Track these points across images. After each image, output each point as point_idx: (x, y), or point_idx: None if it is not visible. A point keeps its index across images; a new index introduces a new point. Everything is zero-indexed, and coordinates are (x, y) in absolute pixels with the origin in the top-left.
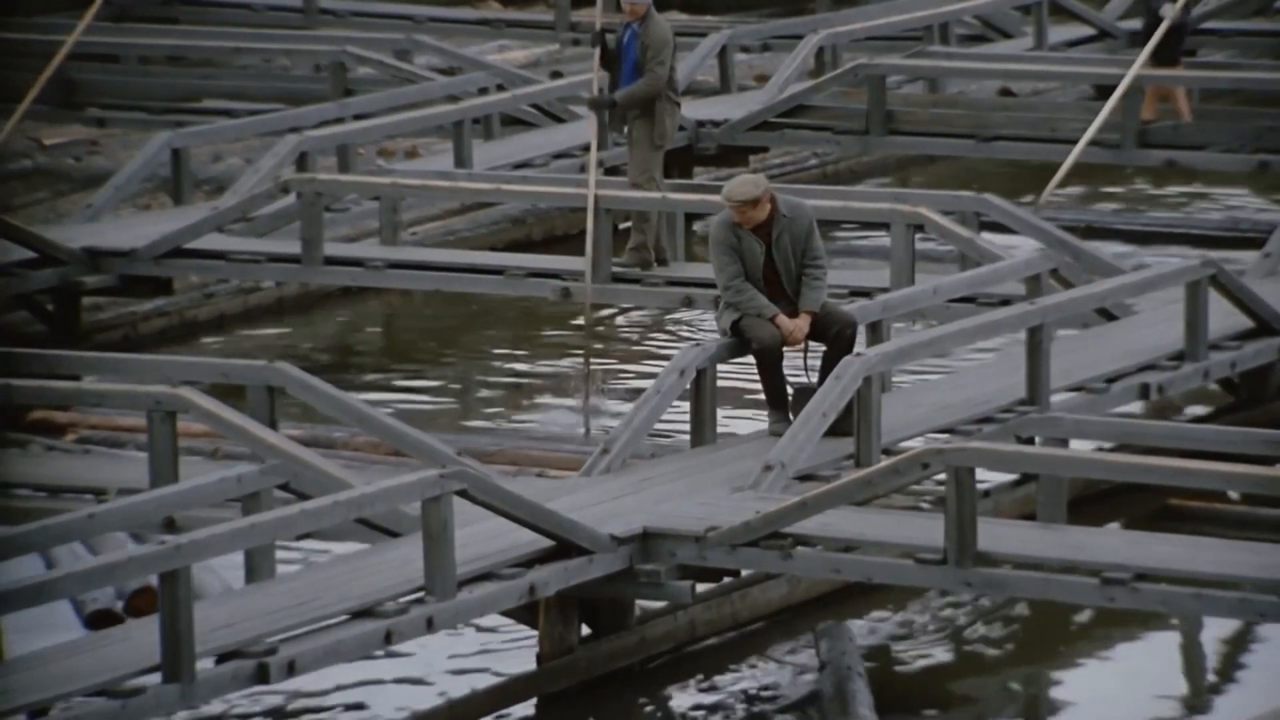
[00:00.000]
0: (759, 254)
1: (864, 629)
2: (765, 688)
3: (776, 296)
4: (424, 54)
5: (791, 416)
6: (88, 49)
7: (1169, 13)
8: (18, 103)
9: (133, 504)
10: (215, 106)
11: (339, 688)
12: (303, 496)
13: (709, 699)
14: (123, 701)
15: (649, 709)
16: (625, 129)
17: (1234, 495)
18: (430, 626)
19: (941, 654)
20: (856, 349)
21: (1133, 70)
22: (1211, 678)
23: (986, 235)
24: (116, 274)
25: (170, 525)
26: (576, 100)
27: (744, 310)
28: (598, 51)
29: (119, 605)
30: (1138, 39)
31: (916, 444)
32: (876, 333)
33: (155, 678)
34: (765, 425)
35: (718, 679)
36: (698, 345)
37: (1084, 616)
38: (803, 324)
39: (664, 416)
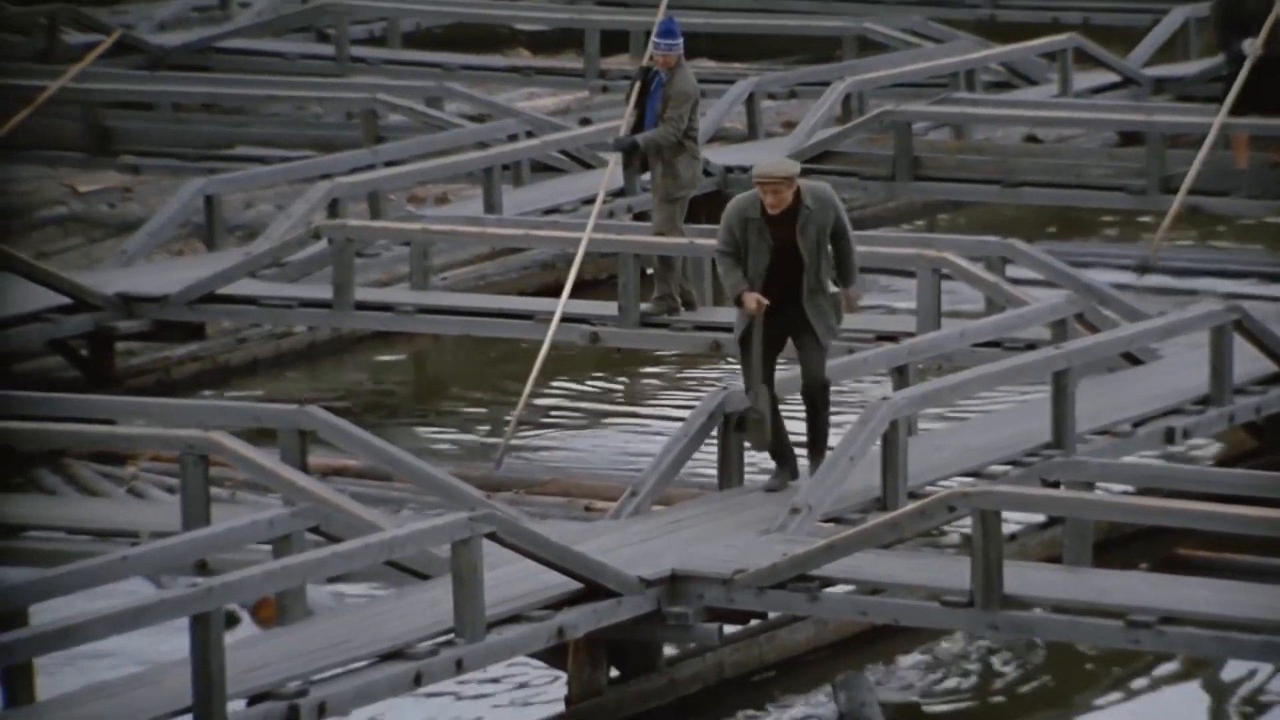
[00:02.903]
0: (766, 249)
1: (888, 672)
2: None
3: (789, 285)
4: (454, 101)
5: (748, 443)
6: (123, 97)
7: (1250, 49)
8: (54, 150)
9: (165, 547)
10: (248, 153)
11: None
12: (333, 539)
13: None
14: None
15: None
16: (649, 175)
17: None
18: (460, 668)
19: (965, 697)
20: (882, 394)
21: (1219, 118)
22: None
23: (1012, 279)
24: (150, 319)
25: (202, 568)
26: (605, 147)
27: (723, 282)
28: (637, 86)
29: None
30: (1222, 84)
31: (949, 485)
32: (903, 377)
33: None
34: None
35: None
36: (725, 388)
37: (1109, 659)
38: (853, 297)
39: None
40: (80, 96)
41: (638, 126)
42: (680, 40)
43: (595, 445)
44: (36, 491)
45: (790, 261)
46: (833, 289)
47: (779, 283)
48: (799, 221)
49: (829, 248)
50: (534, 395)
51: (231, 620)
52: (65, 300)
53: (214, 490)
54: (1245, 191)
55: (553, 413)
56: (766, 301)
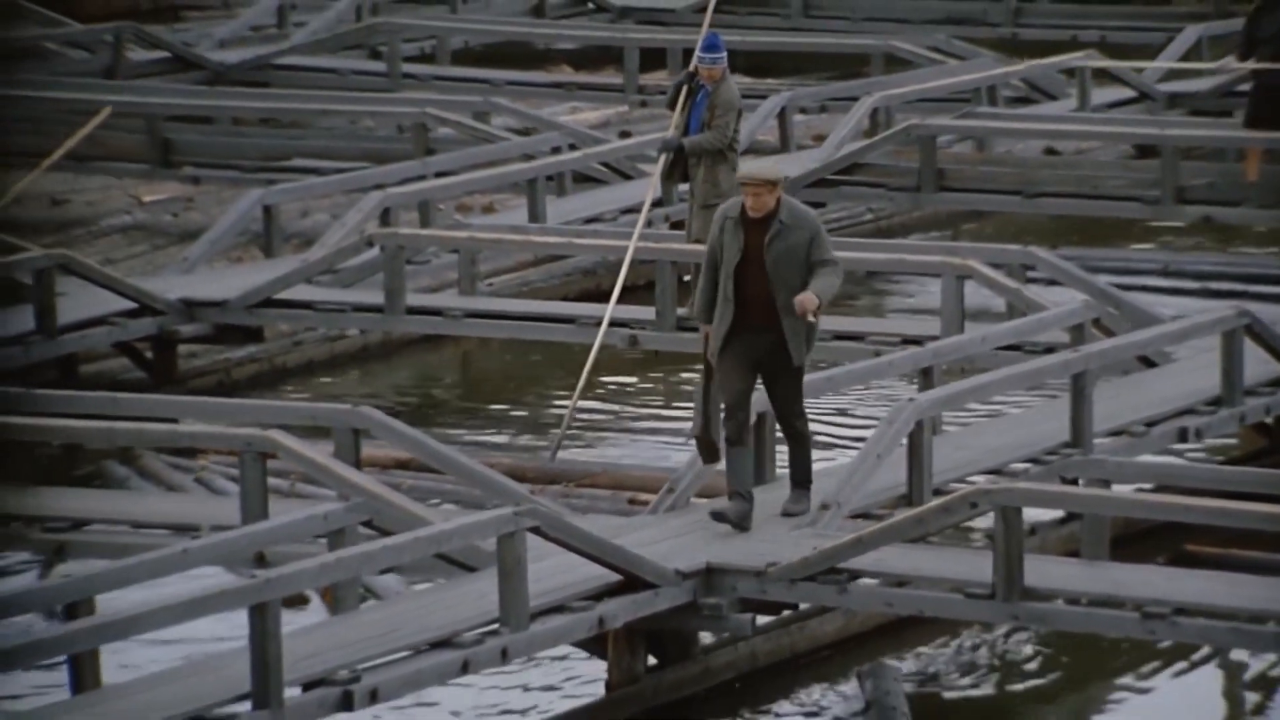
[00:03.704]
0: (737, 249)
1: (912, 663)
2: (821, 716)
3: (754, 295)
4: (501, 115)
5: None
6: (184, 111)
7: (1226, 66)
8: (119, 162)
9: (225, 540)
10: (304, 165)
11: (418, 715)
12: (385, 533)
13: None
14: None
15: None
16: (688, 185)
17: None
18: (505, 656)
19: (986, 687)
20: (909, 395)
21: None
22: (1248, 709)
23: (1033, 286)
24: (211, 323)
25: (260, 560)
26: (644, 158)
27: (697, 298)
28: (684, 90)
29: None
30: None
31: (972, 483)
32: (927, 379)
33: (245, 705)
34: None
35: (777, 707)
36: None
37: (1125, 649)
38: (806, 302)
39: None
40: (144, 111)
41: (683, 133)
42: (724, 54)
43: (636, 441)
44: (107, 483)
45: (757, 272)
46: (812, 318)
47: (749, 293)
48: (770, 231)
49: (805, 274)
50: (581, 395)
51: (302, 601)
52: (130, 305)
53: (275, 481)
54: (1255, 202)
55: (597, 411)
56: (709, 332)
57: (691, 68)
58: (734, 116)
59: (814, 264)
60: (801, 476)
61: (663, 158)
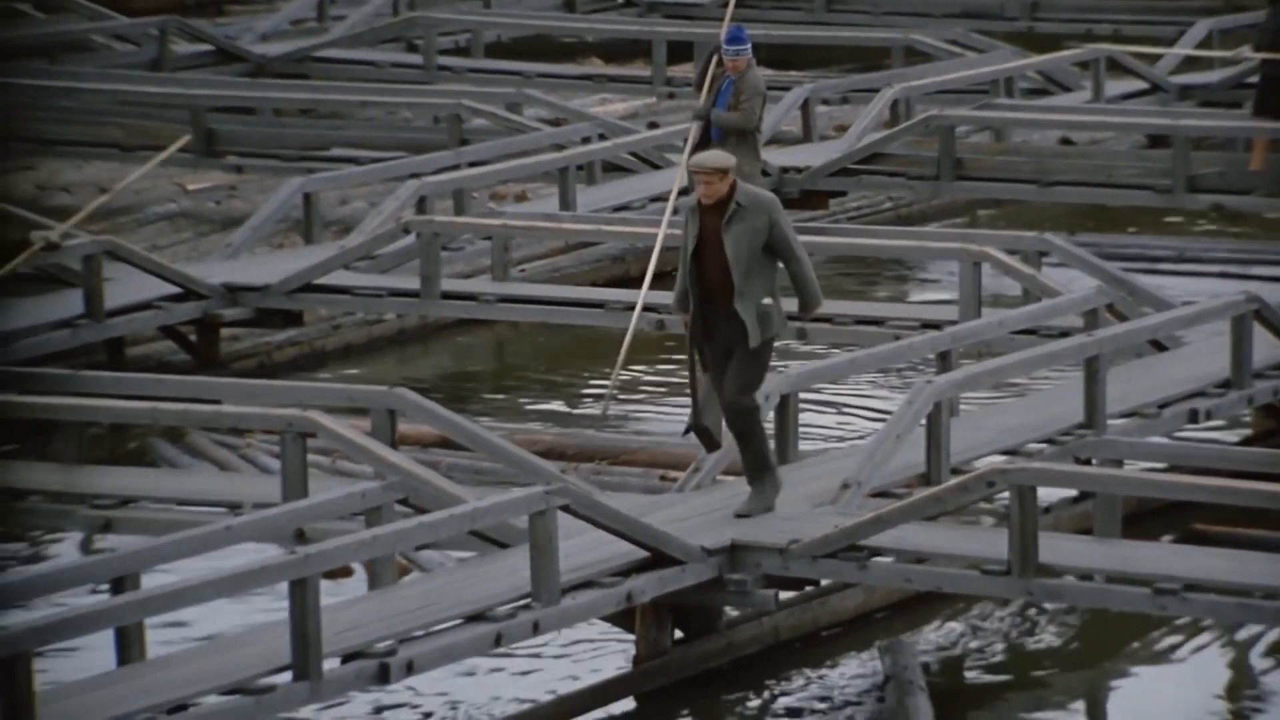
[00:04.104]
0: (693, 235)
1: (929, 639)
2: (842, 689)
3: (714, 282)
4: (533, 106)
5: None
6: (227, 102)
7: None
8: (163, 150)
9: (266, 517)
10: (342, 154)
11: (453, 686)
12: (420, 510)
13: (791, 699)
14: (256, 698)
15: (737, 707)
16: None
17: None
18: (536, 630)
19: (1001, 661)
20: (926, 377)
21: None
22: (1257, 683)
23: (1048, 272)
24: (253, 307)
25: (300, 536)
26: (672, 148)
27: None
28: (714, 61)
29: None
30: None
31: (991, 461)
32: (945, 362)
33: (286, 676)
34: (843, 446)
35: (799, 680)
36: (781, 372)
37: (1137, 625)
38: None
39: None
40: (188, 102)
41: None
42: (748, 45)
43: (663, 420)
44: (154, 461)
45: (717, 257)
46: (766, 300)
47: (712, 279)
48: (725, 215)
49: (766, 258)
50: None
51: (347, 572)
52: (175, 290)
53: (317, 458)
54: (1265, 190)
55: (627, 392)
56: (687, 320)
57: (721, 41)
58: (759, 101)
59: (783, 258)
60: (757, 466)
61: (691, 135)
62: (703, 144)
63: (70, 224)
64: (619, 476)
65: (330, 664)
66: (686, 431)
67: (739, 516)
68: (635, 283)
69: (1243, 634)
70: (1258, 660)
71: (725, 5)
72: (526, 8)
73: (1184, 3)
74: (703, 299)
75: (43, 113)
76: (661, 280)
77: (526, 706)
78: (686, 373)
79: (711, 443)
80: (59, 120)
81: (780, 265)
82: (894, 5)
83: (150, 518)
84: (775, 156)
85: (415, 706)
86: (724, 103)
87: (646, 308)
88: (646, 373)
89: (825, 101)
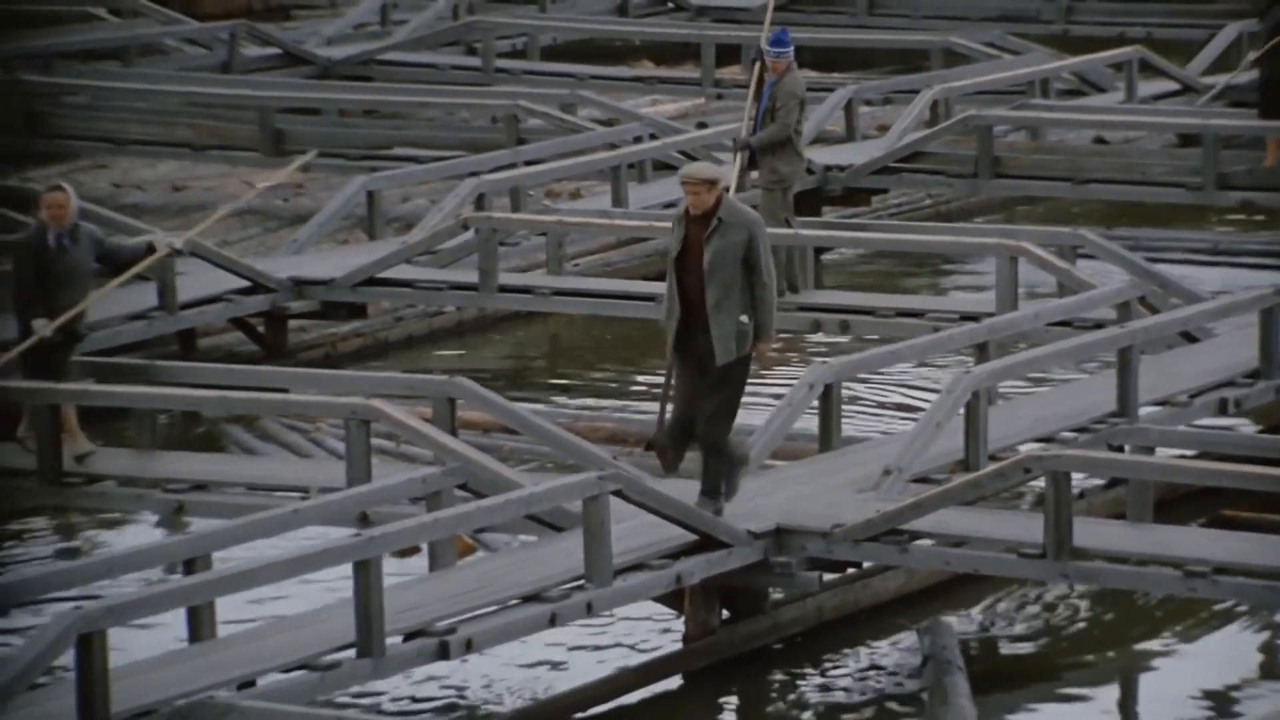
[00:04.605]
0: (677, 243)
1: (968, 620)
2: (882, 668)
3: (692, 293)
4: (586, 107)
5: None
6: (294, 103)
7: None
8: (235, 150)
9: (331, 501)
10: (404, 154)
11: (510, 663)
12: (478, 495)
13: (833, 677)
14: (321, 674)
15: (781, 685)
16: (756, 173)
17: None
18: (590, 610)
19: (1037, 641)
20: (965, 366)
21: None
22: None
23: (1082, 265)
24: (318, 300)
25: (364, 520)
26: (720, 147)
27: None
28: (757, 69)
29: None
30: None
31: (1027, 448)
32: (983, 352)
33: (350, 653)
34: (885, 432)
35: (841, 659)
36: (825, 363)
37: (1168, 606)
38: (763, 350)
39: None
40: (257, 103)
41: (753, 122)
42: (790, 48)
43: None
44: (226, 447)
45: (697, 268)
46: (743, 319)
47: (693, 292)
48: (710, 228)
49: (745, 275)
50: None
51: (415, 550)
52: (245, 283)
53: (382, 442)
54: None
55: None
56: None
57: (762, 44)
58: (795, 106)
59: (750, 268)
60: (709, 486)
61: (739, 157)
62: (751, 164)
63: (194, 232)
64: None
65: (392, 641)
66: (648, 448)
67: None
68: None
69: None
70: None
71: (775, 9)
72: (581, 12)
73: (1214, 6)
74: (682, 309)
75: (117, 113)
76: None
77: (580, 683)
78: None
79: (669, 462)
80: (133, 120)
81: None
82: (934, 9)
83: (221, 501)
84: (819, 155)
85: (474, 683)
86: (764, 105)
87: None
88: None
89: (867, 102)
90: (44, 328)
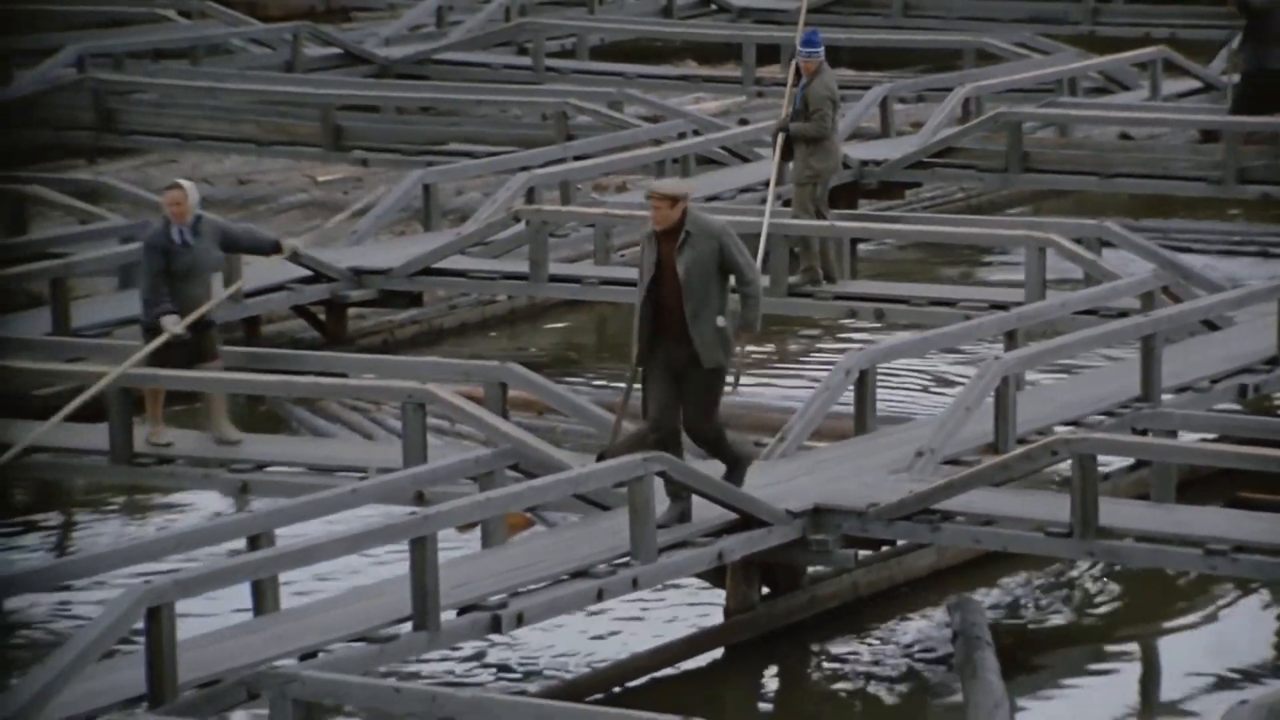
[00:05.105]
0: (651, 263)
1: (997, 596)
2: (915, 641)
3: (668, 307)
4: (633, 104)
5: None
6: (354, 101)
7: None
8: (297, 146)
9: (388, 481)
10: (459, 149)
11: (559, 636)
12: (529, 475)
13: (868, 649)
14: (379, 646)
15: (818, 657)
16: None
17: None
18: (635, 586)
19: (1063, 617)
20: (994, 353)
21: None
22: None
23: (1108, 256)
24: (377, 289)
25: (420, 499)
26: (761, 143)
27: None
28: (793, 67)
29: None
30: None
31: (1056, 432)
32: (1012, 340)
33: (406, 627)
34: (918, 417)
35: (876, 632)
36: (861, 349)
37: (1189, 584)
38: (743, 337)
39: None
40: (319, 101)
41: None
42: (820, 49)
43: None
44: (291, 427)
45: (671, 282)
46: (721, 322)
47: (667, 305)
48: (677, 242)
49: (719, 284)
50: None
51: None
52: (306, 273)
53: (438, 422)
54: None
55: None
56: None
57: (797, 46)
58: (828, 106)
59: (735, 278)
60: (731, 464)
61: (778, 145)
62: (784, 152)
63: (309, 238)
64: None
65: (447, 615)
66: (600, 459)
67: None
68: None
69: None
70: None
71: (814, 10)
72: (628, 14)
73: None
74: (657, 324)
75: (186, 110)
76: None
77: (626, 655)
78: (618, 399)
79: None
80: (201, 117)
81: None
82: (966, 10)
83: (284, 481)
84: (856, 150)
85: (525, 656)
86: (798, 102)
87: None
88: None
89: (902, 100)
90: (174, 325)
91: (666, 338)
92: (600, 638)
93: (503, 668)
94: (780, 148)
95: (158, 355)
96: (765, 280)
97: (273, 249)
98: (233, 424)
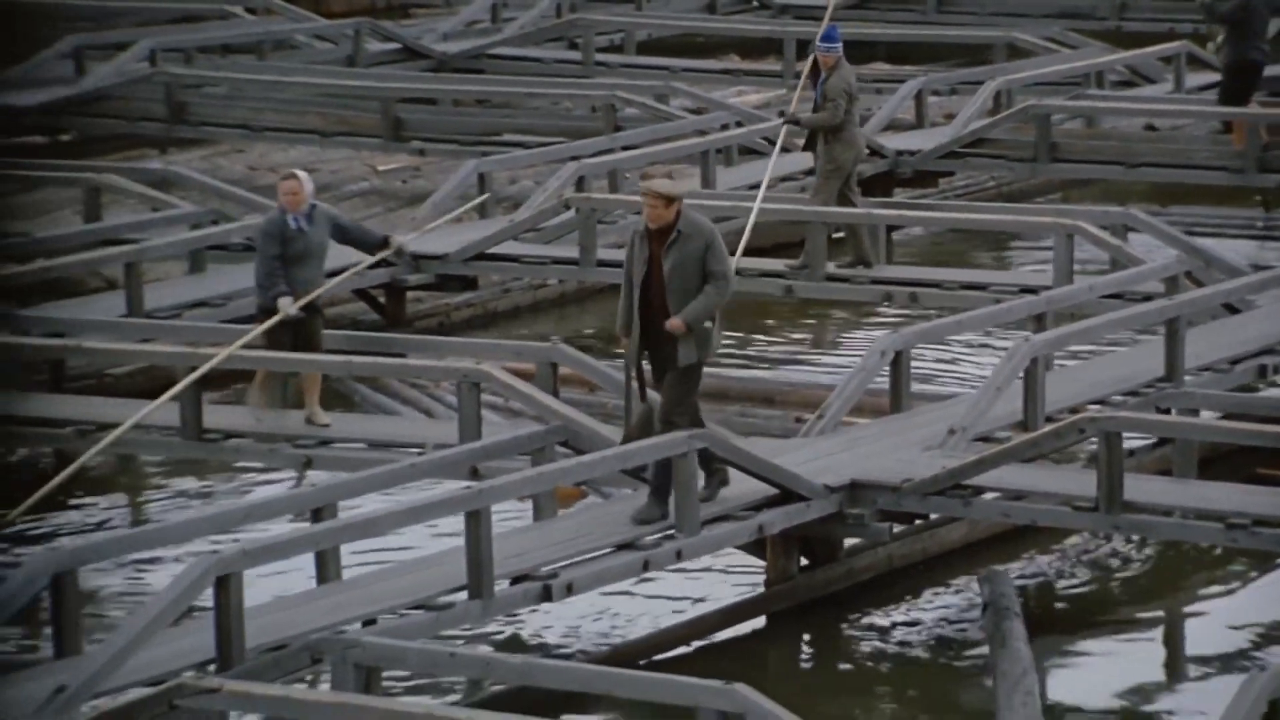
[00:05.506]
0: (643, 261)
1: (1025, 568)
2: (947, 611)
3: (658, 303)
4: (678, 97)
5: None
6: (413, 94)
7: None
8: (358, 136)
9: (445, 456)
10: (512, 139)
11: (608, 604)
12: (579, 451)
13: (903, 619)
14: (436, 614)
15: (854, 626)
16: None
17: None
18: (679, 557)
19: (1089, 589)
20: (1024, 334)
21: None
22: None
23: (1133, 241)
24: (434, 273)
25: (474, 474)
26: (800, 135)
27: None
28: (810, 61)
29: None
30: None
31: (1079, 411)
32: (1041, 322)
33: (462, 595)
34: (947, 398)
35: (910, 602)
36: (896, 332)
37: (1210, 556)
38: (674, 325)
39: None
40: (379, 94)
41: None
42: (839, 44)
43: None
44: (355, 403)
45: (659, 280)
46: (706, 323)
47: (656, 303)
48: (668, 241)
49: (701, 280)
50: (749, 337)
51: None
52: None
53: (494, 400)
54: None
55: (770, 346)
56: (628, 339)
57: (815, 42)
58: (843, 99)
59: (707, 275)
60: (704, 461)
61: (781, 135)
62: (809, 143)
63: (416, 235)
64: (761, 419)
65: (500, 585)
66: (624, 442)
67: (702, 501)
68: (766, 252)
69: None
70: None
71: (851, 7)
72: (674, 10)
73: None
74: (646, 320)
75: (253, 102)
76: (788, 250)
77: (671, 622)
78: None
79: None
80: (267, 109)
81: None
82: (997, 6)
83: (345, 456)
84: (891, 140)
85: (574, 623)
86: (816, 96)
87: (772, 274)
88: (776, 329)
89: (935, 92)
90: (289, 305)
91: (657, 335)
92: (649, 605)
93: (552, 640)
94: (781, 139)
95: (269, 335)
96: (779, 270)
97: (381, 245)
98: (321, 409)
